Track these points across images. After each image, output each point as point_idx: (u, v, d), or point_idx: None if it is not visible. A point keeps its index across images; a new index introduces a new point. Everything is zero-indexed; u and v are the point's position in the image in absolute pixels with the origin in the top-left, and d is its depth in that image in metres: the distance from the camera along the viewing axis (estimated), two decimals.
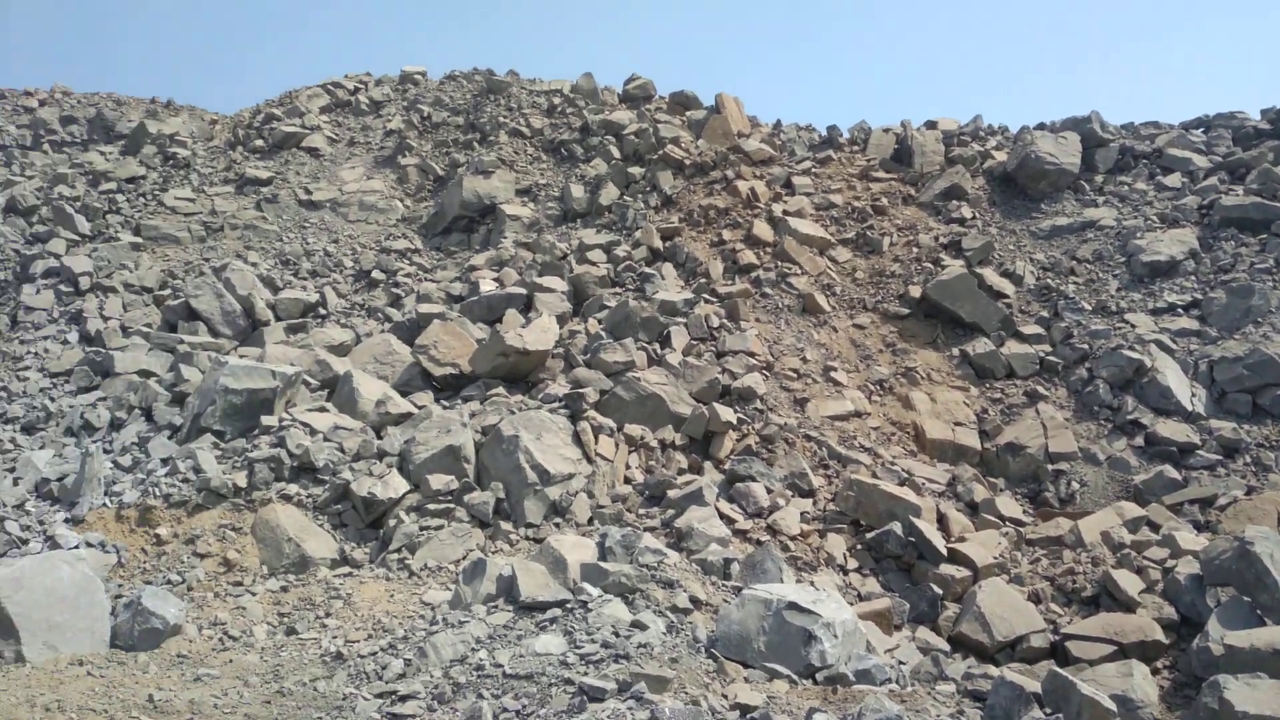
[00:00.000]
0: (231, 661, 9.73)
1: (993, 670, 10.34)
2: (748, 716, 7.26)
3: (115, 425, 14.73)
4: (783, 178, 22.44)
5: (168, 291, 19.32)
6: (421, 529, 12.83)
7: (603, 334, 16.77)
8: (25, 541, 12.05)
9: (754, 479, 14.02)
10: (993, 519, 14.80)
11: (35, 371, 16.74)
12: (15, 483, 13.15)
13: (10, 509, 12.58)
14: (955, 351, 18.43)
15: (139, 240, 20.87)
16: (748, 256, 19.55)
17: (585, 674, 8.26)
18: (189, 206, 22.12)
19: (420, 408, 15.48)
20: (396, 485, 13.39)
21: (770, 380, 16.40)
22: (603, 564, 10.42)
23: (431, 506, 13.21)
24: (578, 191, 22.38)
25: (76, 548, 11.53)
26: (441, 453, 13.81)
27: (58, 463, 13.56)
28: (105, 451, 13.72)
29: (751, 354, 16.63)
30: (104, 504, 12.54)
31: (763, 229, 20.31)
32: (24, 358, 17.39)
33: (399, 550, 12.53)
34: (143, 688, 8.81)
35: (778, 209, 21.02)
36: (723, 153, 22.76)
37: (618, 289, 18.80)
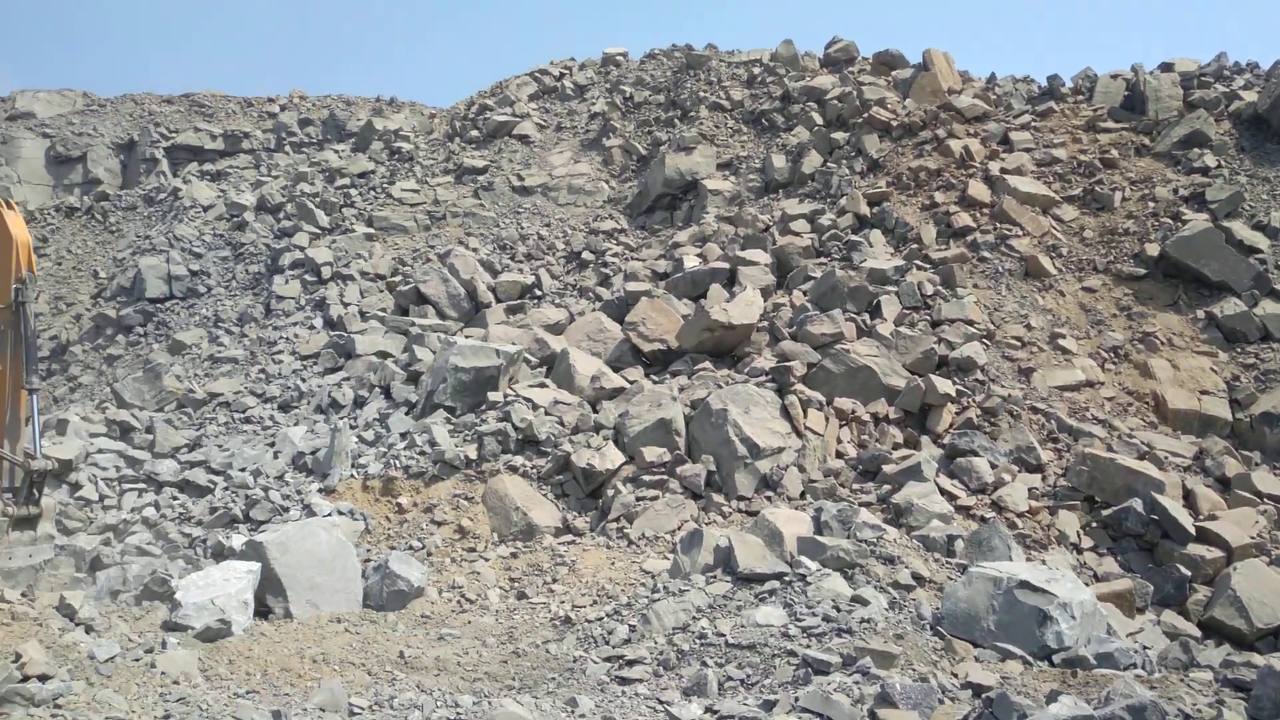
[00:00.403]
0: (470, 623, 10.39)
1: (1256, 659, 9.46)
2: (982, 696, 7.00)
3: (359, 403, 16.01)
4: (999, 134, 21.23)
5: (398, 278, 20.71)
6: (638, 499, 13.18)
7: (809, 306, 16.54)
8: (286, 510, 13.34)
9: (976, 453, 13.44)
10: (1248, 496, 13.49)
11: (288, 355, 18.44)
12: (275, 456, 14.56)
13: (273, 480, 13.95)
14: (1200, 314, 16.88)
15: (371, 231, 22.48)
16: (963, 219, 18.67)
17: (808, 646, 8.24)
18: (414, 197, 23.57)
19: (632, 382, 15.87)
20: (613, 457, 13.81)
21: (991, 349, 15.64)
22: (819, 538, 10.33)
23: (646, 478, 13.54)
24: (779, 161, 22.10)
25: (330, 515, 12.64)
26: (654, 426, 14.11)
27: (310, 438, 14.90)
28: (351, 427, 14.94)
29: (970, 322, 15.91)
30: (352, 475, 13.67)
31: (979, 189, 19.32)
32: (277, 343, 19.18)
33: (617, 519, 12.94)
34: (394, 644, 9.57)
35: (995, 167, 19.94)
36: (932, 111, 21.80)
37: (823, 259, 18.46)
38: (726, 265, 18.43)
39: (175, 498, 13.67)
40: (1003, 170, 19.81)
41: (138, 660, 8.11)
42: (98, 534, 13.03)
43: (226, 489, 13.67)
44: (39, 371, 12.07)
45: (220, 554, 11.77)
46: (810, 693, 7.20)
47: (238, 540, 11.63)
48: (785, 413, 14.26)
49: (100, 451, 14.59)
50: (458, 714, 7.32)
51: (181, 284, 22.32)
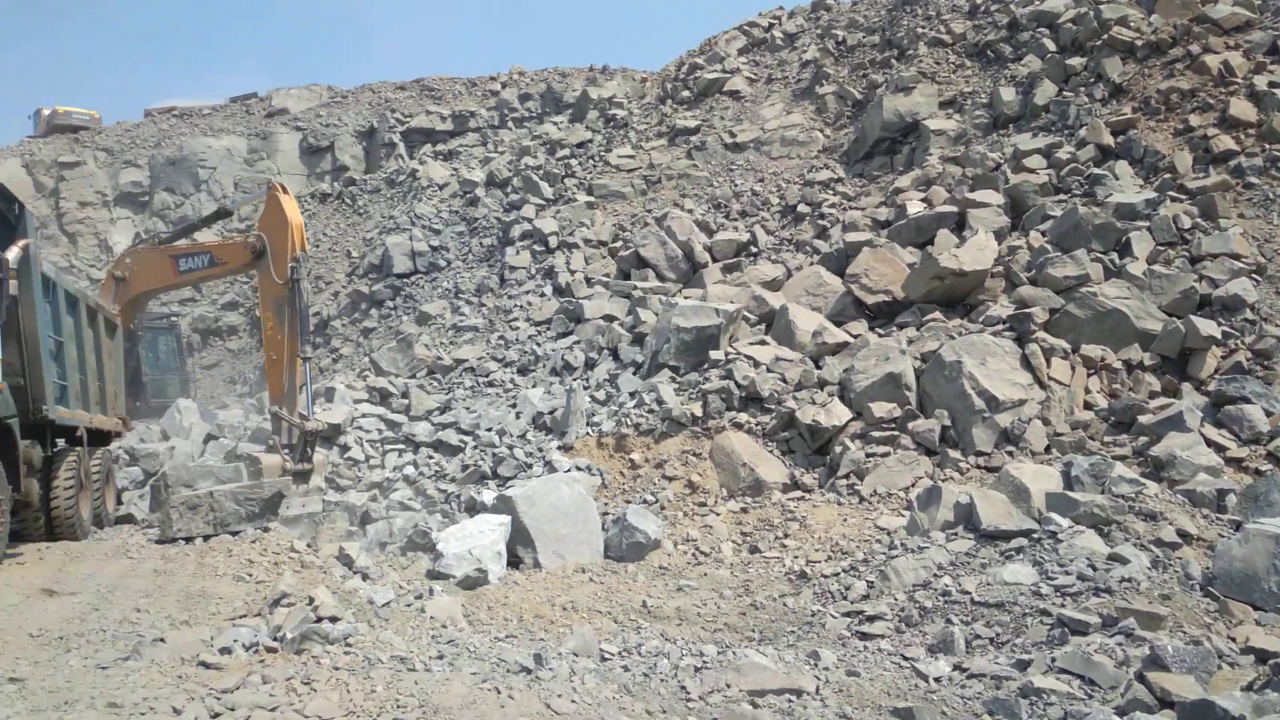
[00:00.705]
0: (706, 575, 10.63)
1: None
2: (1269, 662, 6.43)
3: (589, 364, 16.64)
4: (1267, 44, 18.87)
5: (619, 243, 21.24)
6: (868, 456, 12.95)
7: (1048, 247, 15.50)
8: (529, 466, 14.10)
9: (1248, 400, 12.19)
10: None
11: (523, 321, 19.42)
12: (517, 416, 15.40)
13: (516, 439, 14.78)
14: None
15: (592, 199, 23.14)
16: (1224, 142, 16.83)
17: (1063, 606, 7.85)
18: (630, 163, 24.02)
19: (855, 337, 15.53)
20: (839, 413, 13.62)
21: (1263, 285, 14.09)
22: (1070, 493, 9.78)
23: (875, 434, 13.26)
24: (1008, 95, 20.74)
25: (569, 471, 13.25)
26: (881, 380, 13.77)
27: (548, 399, 15.66)
28: (584, 388, 15.57)
29: (1236, 256, 14.39)
30: (587, 433, 14.26)
31: (1243, 108, 17.32)
32: (512, 310, 20.23)
33: (847, 476, 12.78)
34: (635, 594, 9.96)
35: (1261, 82, 17.77)
36: (1183, 25, 19.70)
37: (1063, 196, 17.20)
38: (954, 209, 17.56)
39: (431, 457, 14.79)
40: (1271, 84, 17.64)
41: (409, 605, 8.83)
42: (365, 491, 14.33)
43: (475, 448, 14.62)
44: (311, 341, 13.39)
45: (473, 508, 12.62)
46: (1069, 653, 6.88)
47: (488, 495, 12.43)
48: (1026, 363, 13.51)
49: (364, 416, 16.00)
50: (703, 662, 7.53)
51: (424, 259, 23.94)
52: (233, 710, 5.57)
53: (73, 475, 10.78)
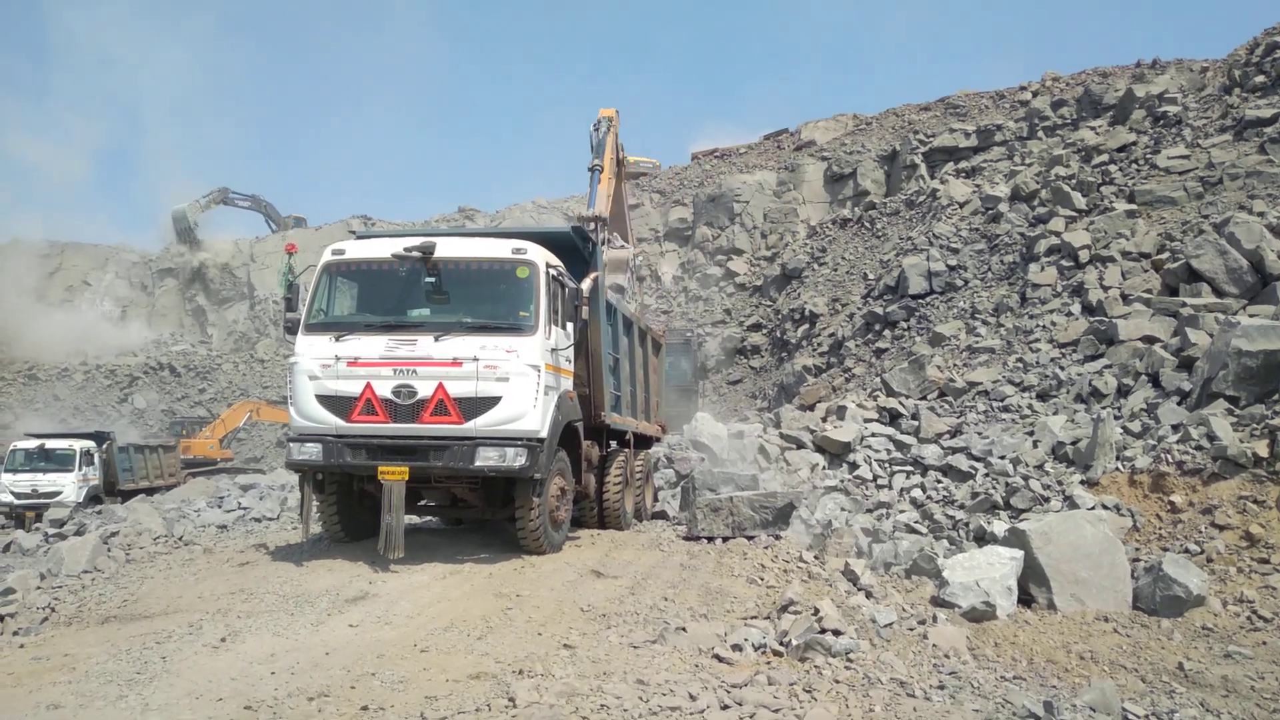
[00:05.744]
0: (1265, 644, 9.00)
1: None
2: None
3: (1122, 391, 15.00)
4: None
5: (1165, 255, 18.85)
6: None
7: None
8: (1046, 499, 13.10)
9: None
10: None
11: (1045, 343, 18.11)
12: (1034, 445, 14.41)
13: (1032, 469, 13.83)
14: None
15: (1133, 207, 20.85)
16: None
17: None
18: (1183, 164, 21.21)
19: None
20: None
21: None
22: None
23: None
24: None
25: (1093, 508, 12.06)
26: None
27: (1070, 428, 14.42)
28: (1115, 417, 14.06)
29: None
30: (1116, 468, 12.87)
31: None
32: (1033, 331, 18.98)
33: None
34: (1170, 654, 8.77)
35: None
36: None
37: None
38: None
39: (939, 481, 14.44)
40: None
41: (911, 630, 8.71)
42: (872, 510, 14.44)
43: (987, 475, 13.97)
44: None
45: (981, 538, 12.09)
46: None
47: (999, 526, 11.83)
48: None
49: (873, 435, 16.14)
50: None
51: (940, 279, 23.52)
52: (740, 705, 5.95)
53: (621, 473, 12.44)
